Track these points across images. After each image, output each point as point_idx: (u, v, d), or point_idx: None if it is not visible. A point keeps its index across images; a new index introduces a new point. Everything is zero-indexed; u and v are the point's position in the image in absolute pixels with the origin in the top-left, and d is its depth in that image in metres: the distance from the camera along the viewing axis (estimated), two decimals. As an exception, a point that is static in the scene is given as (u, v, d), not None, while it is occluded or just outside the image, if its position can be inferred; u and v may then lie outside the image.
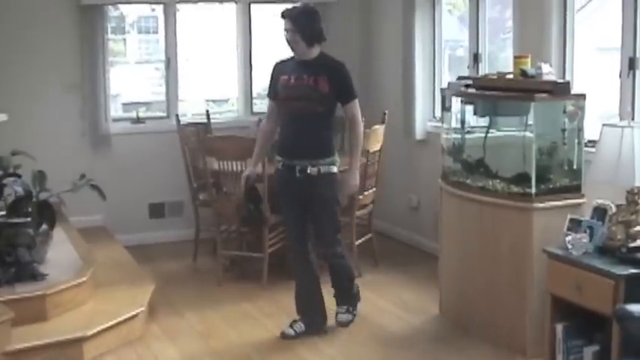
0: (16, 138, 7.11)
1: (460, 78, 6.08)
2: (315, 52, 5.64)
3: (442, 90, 6.30)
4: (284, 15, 5.58)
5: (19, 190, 5.93)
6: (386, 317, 6.21)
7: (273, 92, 5.76)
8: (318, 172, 5.60)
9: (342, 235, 5.95)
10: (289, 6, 5.69)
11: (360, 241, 7.16)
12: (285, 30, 5.57)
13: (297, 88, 5.60)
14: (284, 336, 5.76)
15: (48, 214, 6.02)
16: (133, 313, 5.80)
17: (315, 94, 5.56)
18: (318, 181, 5.62)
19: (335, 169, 5.70)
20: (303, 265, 5.83)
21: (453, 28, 7.94)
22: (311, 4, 5.80)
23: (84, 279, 5.90)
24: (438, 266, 6.22)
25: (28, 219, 5.91)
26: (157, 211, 8.30)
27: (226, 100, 8.85)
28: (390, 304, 6.48)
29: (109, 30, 8.26)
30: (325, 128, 5.67)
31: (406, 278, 7.06)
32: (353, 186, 5.84)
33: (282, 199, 5.88)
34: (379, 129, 7.15)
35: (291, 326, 5.81)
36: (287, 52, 5.71)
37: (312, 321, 5.86)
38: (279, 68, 5.77)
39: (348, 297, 6.01)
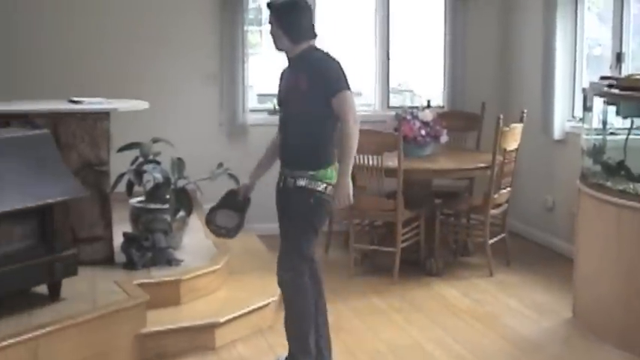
0: (157, 126, 7.26)
1: (603, 78, 5.93)
2: (300, 48, 4.86)
3: (584, 90, 6.16)
4: (268, 5, 4.93)
5: (158, 176, 6.07)
6: (516, 318, 6.12)
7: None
8: (294, 184, 4.86)
9: (303, 263, 5.06)
10: None
11: (493, 240, 7.10)
12: (269, 22, 4.91)
13: (285, 90, 4.98)
14: None
15: (185, 201, 6.14)
16: (265, 302, 5.85)
17: (296, 94, 4.84)
18: (292, 195, 4.89)
19: (318, 186, 4.82)
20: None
21: (591, 26, 7.74)
22: None
23: (218, 266, 6.01)
24: (572, 269, 6.09)
25: (166, 205, 6.06)
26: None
27: (359, 94, 8.84)
28: (522, 305, 6.38)
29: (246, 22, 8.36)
30: (310, 135, 4.81)
31: (539, 279, 6.95)
32: (342, 196, 4.82)
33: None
34: (517, 127, 7.06)
35: None
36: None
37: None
38: (283, 71, 5.09)
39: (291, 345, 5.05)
